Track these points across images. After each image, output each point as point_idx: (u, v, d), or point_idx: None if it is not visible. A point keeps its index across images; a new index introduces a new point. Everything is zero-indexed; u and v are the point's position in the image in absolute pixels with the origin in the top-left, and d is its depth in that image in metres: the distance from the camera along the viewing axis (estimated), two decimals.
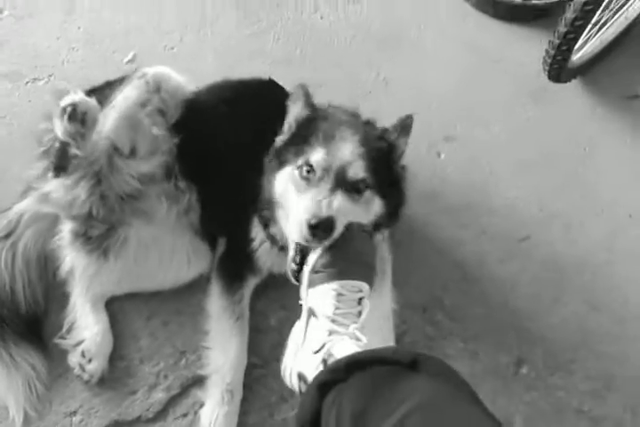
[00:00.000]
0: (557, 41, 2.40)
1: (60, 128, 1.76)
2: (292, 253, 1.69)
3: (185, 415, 1.89)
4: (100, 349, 1.92)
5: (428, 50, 2.84)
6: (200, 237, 2.10)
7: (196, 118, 2.05)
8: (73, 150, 1.80)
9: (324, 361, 1.43)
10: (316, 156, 1.68)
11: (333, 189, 1.64)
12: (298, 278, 1.67)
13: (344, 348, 1.44)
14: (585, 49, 2.61)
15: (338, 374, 1.30)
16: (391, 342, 1.98)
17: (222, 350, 1.94)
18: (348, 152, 1.69)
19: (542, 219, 2.39)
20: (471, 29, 2.92)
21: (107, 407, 1.88)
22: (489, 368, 2.04)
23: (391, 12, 2.94)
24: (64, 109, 1.73)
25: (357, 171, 1.68)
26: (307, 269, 1.64)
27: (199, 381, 1.94)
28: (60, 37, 2.73)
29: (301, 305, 1.63)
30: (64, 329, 1.97)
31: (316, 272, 1.60)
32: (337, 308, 1.53)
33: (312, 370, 1.44)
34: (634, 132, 2.63)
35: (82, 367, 1.89)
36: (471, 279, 2.22)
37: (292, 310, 2.08)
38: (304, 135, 1.77)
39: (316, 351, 1.48)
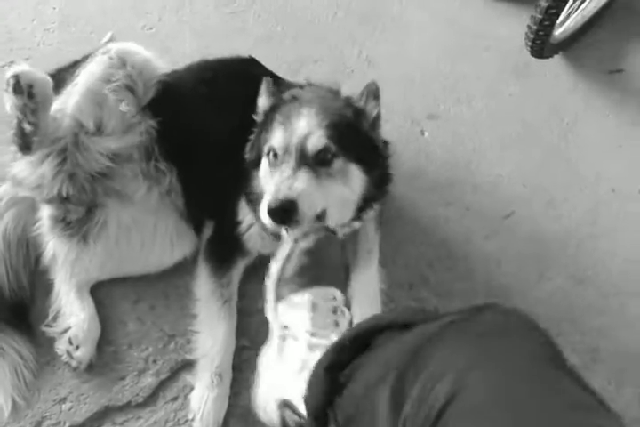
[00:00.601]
0: (539, 16, 2.38)
1: (7, 102, 1.74)
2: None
3: (175, 399, 1.89)
4: (88, 335, 1.91)
5: (410, 26, 2.82)
6: (185, 219, 2.08)
7: (175, 99, 2.03)
8: (25, 126, 1.76)
9: None
10: (276, 137, 1.68)
11: (296, 168, 1.62)
12: None
13: None
14: (567, 24, 2.59)
15: (345, 353, 1.19)
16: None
17: (210, 333, 1.94)
18: (304, 125, 1.67)
19: (526, 195, 2.39)
20: (454, 5, 2.90)
21: (96, 393, 1.88)
22: None
23: None
24: (7, 82, 1.70)
25: (317, 141, 1.65)
26: (270, 282, 1.50)
27: (188, 364, 1.93)
28: (34, 19, 2.68)
29: (268, 325, 1.51)
30: (50, 317, 1.95)
31: (282, 284, 1.47)
32: (313, 319, 1.37)
33: (299, 396, 1.26)
34: (616, 106, 2.63)
35: (69, 354, 1.88)
36: (456, 257, 2.22)
37: None
38: (269, 123, 1.77)
39: (300, 371, 1.30)
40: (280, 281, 1.48)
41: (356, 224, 1.97)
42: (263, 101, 1.87)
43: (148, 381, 1.91)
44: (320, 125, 1.67)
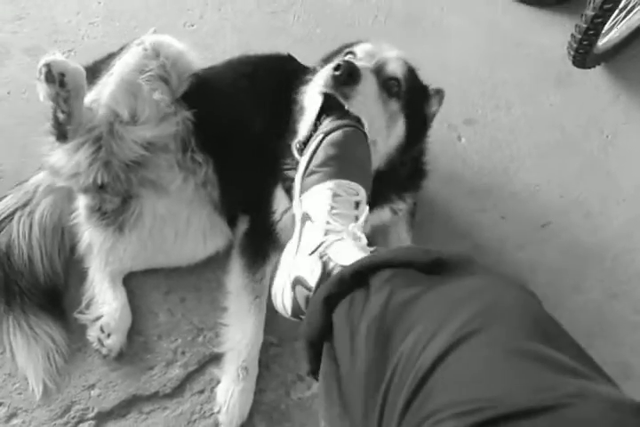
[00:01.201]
0: (584, 25, 2.37)
1: (40, 91, 1.76)
2: (309, 119, 1.63)
3: (202, 392, 1.89)
4: (119, 324, 1.93)
5: (450, 32, 2.81)
6: (219, 212, 2.10)
7: (213, 92, 2.05)
8: (59, 115, 1.78)
9: (324, 263, 1.28)
10: (362, 46, 1.72)
11: (369, 70, 1.65)
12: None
13: (342, 248, 1.30)
14: (611, 34, 2.58)
15: (345, 285, 1.17)
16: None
17: (239, 327, 1.94)
18: (394, 53, 1.73)
19: (563, 205, 2.37)
20: (495, 12, 2.89)
21: (124, 382, 1.89)
22: None
23: None
24: (39, 71, 1.71)
25: (396, 69, 1.70)
26: (297, 175, 1.53)
27: (216, 358, 1.94)
28: (79, 12, 2.70)
29: (294, 215, 1.51)
30: (83, 304, 1.97)
31: (309, 175, 1.48)
32: (333, 208, 1.39)
33: (309, 272, 1.30)
34: None
35: (100, 342, 1.90)
36: (489, 264, 2.18)
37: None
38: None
39: (312, 252, 1.33)
40: (306, 173, 1.49)
41: (387, 216, 1.98)
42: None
43: (176, 372, 1.92)
44: (404, 61, 1.74)
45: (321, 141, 1.51)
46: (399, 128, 1.75)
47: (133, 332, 1.97)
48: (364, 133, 1.57)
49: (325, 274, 1.27)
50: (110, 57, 2.01)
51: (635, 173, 2.46)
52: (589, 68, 2.66)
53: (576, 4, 2.83)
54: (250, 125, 2.00)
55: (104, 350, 1.90)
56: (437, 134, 2.43)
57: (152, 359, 1.94)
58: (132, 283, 2.05)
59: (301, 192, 1.49)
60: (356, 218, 1.41)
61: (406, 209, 2.11)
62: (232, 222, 2.12)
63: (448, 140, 2.50)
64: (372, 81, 1.65)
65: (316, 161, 1.48)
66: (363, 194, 1.46)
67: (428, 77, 2.53)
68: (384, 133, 1.73)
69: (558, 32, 2.77)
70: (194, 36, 2.68)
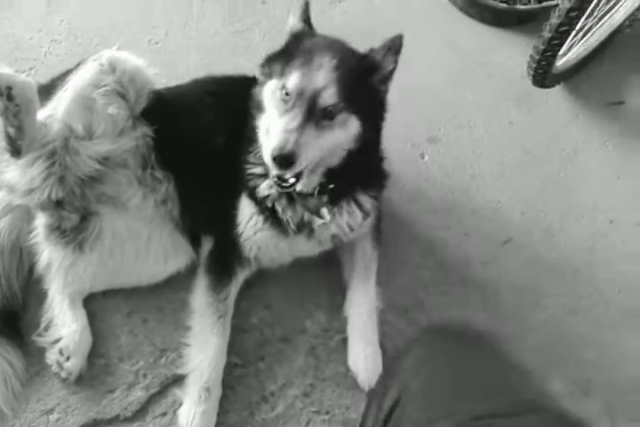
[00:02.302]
0: (542, 46, 2.42)
1: None
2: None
3: (164, 414, 1.87)
4: (79, 347, 1.89)
5: (413, 52, 2.79)
6: (180, 230, 2.08)
7: (178, 109, 2.05)
8: (9, 130, 1.76)
9: None
10: (292, 80, 1.70)
11: (304, 121, 1.66)
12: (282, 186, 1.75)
13: None
14: (569, 55, 2.63)
15: None
16: (375, 341, 2.00)
17: (202, 347, 1.92)
18: (321, 78, 1.69)
19: (524, 222, 2.41)
20: (457, 33, 2.93)
21: (85, 406, 1.85)
22: None
23: (376, 13, 2.94)
24: None
25: (329, 98, 1.69)
26: None
27: (179, 379, 1.92)
28: (41, 29, 2.68)
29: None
30: (42, 326, 1.94)
31: None
32: None
33: None
34: (616, 138, 2.66)
35: (60, 365, 1.86)
36: (453, 281, 2.23)
37: (274, 310, 2.09)
38: (291, 52, 1.79)
39: None
40: None
41: (358, 219, 1.99)
42: (293, 22, 1.86)
43: (138, 395, 1.89)
44: (335, 81, 1.70)
45: None
46: (353, 123, 1.75)
47: (94, 354, 1.94)
48: None
49: None
50: (67, 73, 1.99)
51: (594, 190, 2.51)
52: (548, 87, 2.71)
53: (537, 25, 2.88)
54: (213, 141, 2.00)
55: (63, 374, 1.87)
56: (401, 153, 2.48)
57: (113, 382, 1.91)
58: (93, 304, 2.02)
59: None
60: None
61: (371, 224, 2.13)
62: (194, 241, 2.11)
63: (411, 158, 2.53)
64: (307, 147, 1.66)
65: None
66: None
67: (391, 96, 2.58)
68: (342, 135, 1.75)
69: (520, 52, 2.82)
70: (158, 53, 2.67)
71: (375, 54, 1.78)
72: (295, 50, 1.79)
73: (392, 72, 1.83)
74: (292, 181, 1.73)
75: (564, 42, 2.41)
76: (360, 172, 1.88)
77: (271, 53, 1.86)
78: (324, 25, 2.82)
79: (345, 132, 1.74)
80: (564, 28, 2.31)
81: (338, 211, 1.94)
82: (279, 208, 1.91)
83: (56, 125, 1.84)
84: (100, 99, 1.85)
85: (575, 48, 2.64)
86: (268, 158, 1.68)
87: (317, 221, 1.92)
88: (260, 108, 1.81)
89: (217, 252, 2.06)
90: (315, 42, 1.81)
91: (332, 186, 1.86)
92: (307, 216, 1.92)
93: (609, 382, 2.09)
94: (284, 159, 1.64)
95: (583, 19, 2.35)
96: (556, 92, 2.77)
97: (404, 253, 2.26)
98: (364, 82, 1.78)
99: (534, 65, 2.53)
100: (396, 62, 1.81)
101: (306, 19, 1.85)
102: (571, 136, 2.67)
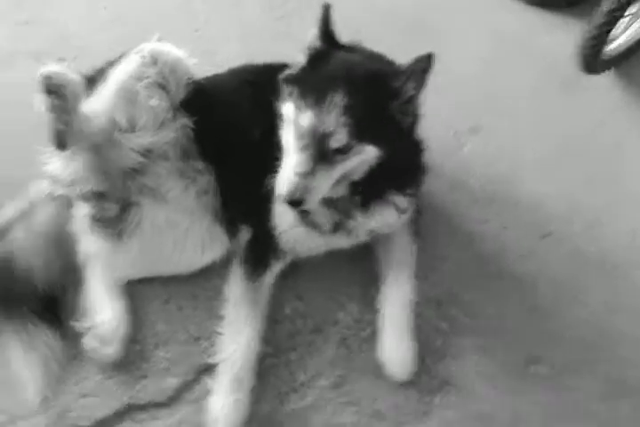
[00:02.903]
0: (592, 31, 2.34)
1: (39, 101, 1.78)
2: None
3: (196, 402, 1.89)
4: (115, 333, 1.93)
5: (457, 36, 2.79)
6: (219, 221, 2.09)
7: (216, 100, 2.05)
8: (58, 125, 1.80)
9: None
10: (305, 120, 1.70)
11: (315, 162, 1.68)
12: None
13: None
14: (620, 40, 2.54)
15: None
16: (407, 334, 1.98)
17: (234, 337, 1.94)
18: (332, 120, 1.67)
19: (567, 214, 2.34)
20: (502, 16, 2.86)
21: (119, 390, 1.90)
22: (502, 366, 2.02)
23: None
24: (39, 82, 1.74)
25: (339, 141, 1.68)
26: None
27: (211, 368, 1.94)
28: (86, 17, 2.72)
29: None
30: (80, 312, 1.98)
31: None
32: None
33: None
34: None
35: (96, 351, 1.91)
36: (490, 275, 2.18)
37: (307, 301, 2.10)
38: (307, 78, 1.76)
39: None
40: None
41: (393, 217, 1.99)
42: (312, 38, 1.82)
43: (172, 382, 1.93)
44: (345, 124, 1.67)
45: None
46: (370, 151, 1.73)
47: (130, 340, 1.98)
48: None
49: None
50: (109, 65, 2.02)
51: None
52: (598, 73, 2.61)
53: (587, 7, 2.77)
54: (250, 132, 2.00)
55: (100, 359, 1.91)
56: (441, 142, 2.43)
57: (148, 368, 1.95)
58: (130, 291, 2.06)
59: None
60: None
61: (409, 217, 2.10)
62: (231, 231, 2.12)
63: (452, 146, 2.48)
64: (318, 188, 1.71)
65: None
66: None
67: (432, 83, 2.53)
68: (356, 162, 1.74)
69: (567, 35, 2.72)
70: (199, 41, 2.68)
71: (395, 81, 1.71)
72: (312, 75, 1.76)
73: (414, 98, 1.75)
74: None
75: (614, 26, 2.33)
76: (392, 174, 1.85)
77: (291, 71, 1.83)
78: (368, 8, 2.80)
79: (361, 159, 1.73)
80: (615, 13, 2.23)
81: (371, 211, 1.93)
82: (311, 210, 1.90)
83: (100, 118, 1.87)
84: (143, 91, 1.88)
85: (626, 33, 2.54)
86: (279, 192, 1.72)
87: (350, 223, 1.92)
88: (282, 121, 1.81)
89: (254, 243, 2.07)
90: (332, 68, 1.76)
91: (361, 188, 1.85)
92: (340, 218, 1.91)
93: None
94: (294, 203, 1.71)
95: (636, 4, 2.26)
96: (604, 79, 2.68)
97: (441, 247, 2.23)
98: (382, 110, 1.72)
99: (584, 50, 2.45)
100: (419, 87, 1.72)
101: (326, 32, 1.80)
102: (618, 124, 2.58)
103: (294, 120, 1.74)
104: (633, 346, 2.08)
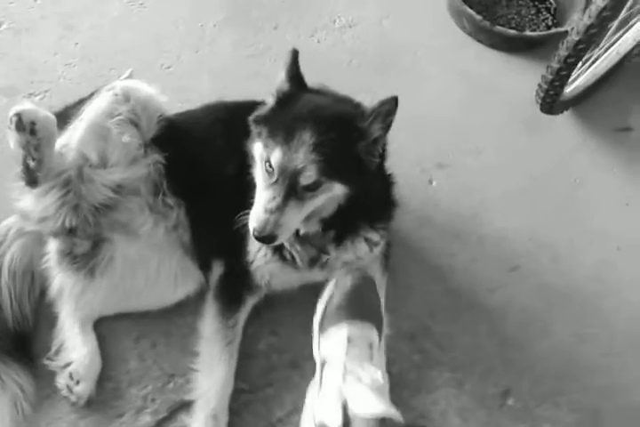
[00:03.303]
0: (550, 76, 2.45)
1: (10, 139, 1.78)
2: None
3: None
4: (88, 371, 1.90)
5: (423, 76, 2.88)
6: (190, 256, 2.10)
7: (188, 136, 2.07)
8: (30, 162, 1.80)
9: (344, 410, 1.46)
10: (274, 157, 1.72)
11: (285, 198, 1.70)
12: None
13: (359, 394, 1.48)
14: (577, 82, 2.66)
15: None
16: (382, 367, 1.98)
17: (209, 374, 1.93)
18: (301, 157, 1.69)
19: (532, 248, 2.41)
20: (467, 57, 2.97)
21: None
22: (476, 399, 2.05)
23: (387, 39, 2.98)
24: (10, 120, 1.74)
25: (309, 177, 1.70)
26: (315, 319, 1.76)
27: (186, 405, 1.92)
28: (57, 53, 2.72)
29: (315, 361, 1.68)
30: (52, 350, 1.95)
31: (324, 320, 1.67)
32: (348, 350, 1.59)
33: (332, 417, 1.47)
34: (624, 164, 2.68)
35: (69, 389, 1.87)
36: (460, 308, 2.23)
37: (282, 336, 2.10)
38: (276, 118, 1.79)
39: (337, 399, 1.50)
40: (323, 318, 1.69)
41: (363, 250, 2.01)
42: (281, 80, 1.84)
43: (146, 420, 1.90)
44: (314, 161, 1.69)
45: (334, 287, 1.78)
46: (337, 188, 1.75)
47: (103, 378, 1.95)
48: (372, 281, 1.89)
49: (346, 422, 1.46)
50: (81, 102, 2.03)
51: (602, 218, 2.52)
52: (556, 114, 2.73)
53: (546, 49, 2.91)
54: (223, 169, 2.02)
55: (73, 398, 1.88)
56: (409, 177, 2.49)
57: (122, 406, 1.92)
58: (103, 328, 2.03)
59: (320, 334, 1.69)
60: (371, 357, 1.60)
61: (380, 251, 2.13)
62: (204, 266, 2.12)
63: (420, 183, 2.55)
64: (288, 224, 1.73)
65: (331, 308, 1.71)
66: (375, 335, 1.67)
67: (400, 121, 2.61)
68: (328, 202, 1.78)
69: (529, 77, 2.84)
70: (170, 77, 2.71)
71: (360, 122, 1.74)
72: (280, 115, 1.79)
73: (379, 139, 1.78)
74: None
75: (572, 72, 2.44)
76: (363, 209, 1.90)
77: (260, 112, 1.86)
78: (335, 50, 2.89)
79: (329, 196, 1.76)
80: (571, 60, 2.34)
81: (345, 246, 1.97)
82: (286, 245, 1.93)
83: (71, 154, 1.88)
84: (115, 128, 1.89)
85: (583, 76, 2.67)
86: (250, 228, 1.74)
87: (324, 257, 1.95)
88: (253, 160, 1.84)
89: (227, 278, 2.07)
90: (300, 109, 1.78)
91: (335, 224, 1.88)
92: (315, 252, 1.94)
93: (617, 410, 2.08)
94: (264, 239, 1.74)
95: (591, 50, 2.38)
96: (565, 118, 2.79)
97: (411, 278, 2.27)
98: (349, 150, 1.75)
99: (542, 93, 2.56)
100: (384, 129, 1.75)
101: (294, 76, 1.83)
102: (579, 162, 2.68)
103: (263, 158, 1.76)
104: (604, 376, 2.14)
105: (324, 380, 1.58)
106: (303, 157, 1.70)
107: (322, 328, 1.67)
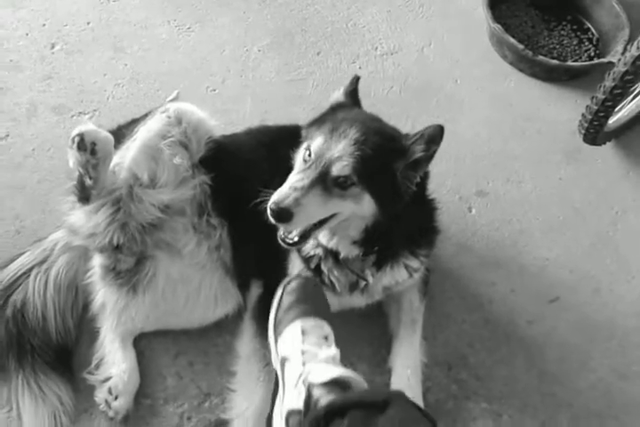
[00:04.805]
0: (595, 107, 2.45)
1: (71, 158, 1.84)
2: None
3: None
4: (127, 386, 1.92)
5: (463, 104, 2.90)
6: (230, 276, 2.12)
7: (233, 158, 2.11)
8: (86, 180, 1.86)
9: (307, 386, 1.47)
10: (315, 143, 1.74)
11: (312, 183, 1.70)
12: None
13: (320, 372, 1.49)
14: (621, 113, 2.66)
15: (319, 424, 1.33)
16: (418, 394, 1.98)
17: (247, 394, 1.93)
18: (340, 147, 1.71)
19: (572, 281, 2.39)
20: (507, 87, 2.98)
21: None
22: None
23: (428, 66, 3.02)
24: (72, 139, 1.80)
25: (341, 169, 1.70)
26: (269, 327, 1.77)
27: (222, 424, 1.93)
28: (106, 74, 2.80)
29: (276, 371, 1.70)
30: (93, 364, 1.97)
31: (278, 324, 1.71)
32: (304, 340, 1.62)
33: (296, 399, 1.48)
34: None
35: (108, 404, 1.89)
36: (498, 338, 2.21)
37: None
38: (325, 120, 1.83)
39: (295, 384, 1.51)
40: (276, 323, 1.72)
41: (403, 276, 2.00)
42: (337, 95, 1.92)
43: None
44: (352, 155, 1.71)
45: (282, 293, 1.80)
46: (367, 201, 1.75)
47: (140, 394, 1.97)
48: (316, 281, 1.92)
49: (309, 395, 1.45)
50: (134, 122, 2.10)
51: None
52: (600, 145, 2.72)
53: (588, 80, 2.93)
54: (263, 192, 2.05)
55: (111, 413, 1.89)
56: (448, 205, 2.50)
57: (158, 423, 1.93)
58: (143, 345, 2.06)
59: (276, 340, 1.71)
60: (328, 345, 1.63)
61: (420, 276, 2.13)
62: (243, 286, 2.14)
63: (459, 211, 2.55)
64: (307, 207, 1.70)
65: (281, 311, 1.74)
66: (327, 328, 1.69)
67: (439, 148, 2.62)
68: (355, 207, 1.75)
69: (570, 107, 2.86)
70: (215, 100, 2.76)
71: (404, 139, 1.76)
72: (331, 117, 1.83)
73: (420, 161, 1.76)
74: (295, 239, 1.79)
75: (618, 103, 2.44)
76: (404, 235, 1.90)
77: (311, 120, 1.91)
78: (377, 76, 2.93)
79: (356, 207, 1.75)
80: (618, 91, 2.34)
81: (384, 271, 1.96)
82: (325, 269, 1.94)
83: (123, 174, 1.93)
84: (167, 149, 1.94)
85: (627, 107, 2.66)
86: (269, 203, 1.72)
87: (362, 283, 1.95)
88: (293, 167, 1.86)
89: (266, 298, 2.07)
90: (350, 113, 1.84)
91: (376, 248, 1.88)
92: (354, 278, 1.95)
93: None
94: (279, 213, 1.68)
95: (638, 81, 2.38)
96: (607, 149, 2.78)
97: (449, 307, 2.27)
98: (386, 164, 1.75)
99: (586, 124, 2.56)
100: (426, 151, 1.74)
101: (351, 92, 1.90)
102: (621, 194, 2.66)
103: (304, 147, 1.79)
104: None
105: (286, 377, 1.59)
106: (342, 148, 1.72)
107: (277, 332, 1.69)
